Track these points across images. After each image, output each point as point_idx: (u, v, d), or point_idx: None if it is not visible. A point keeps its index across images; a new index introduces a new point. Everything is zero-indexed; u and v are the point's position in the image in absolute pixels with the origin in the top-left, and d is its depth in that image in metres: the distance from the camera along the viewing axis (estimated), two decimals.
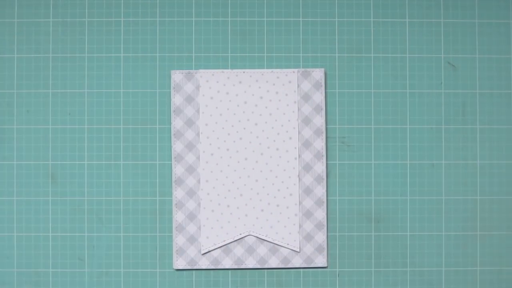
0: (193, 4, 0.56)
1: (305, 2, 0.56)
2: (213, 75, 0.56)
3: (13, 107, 0.56)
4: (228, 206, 0.55)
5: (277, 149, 0.55)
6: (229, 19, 0.56)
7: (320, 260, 0.56)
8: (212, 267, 0.55)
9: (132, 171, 0.56)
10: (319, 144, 0.56)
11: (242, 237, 0.55)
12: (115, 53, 0.56)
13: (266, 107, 0.56)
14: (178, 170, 0.55)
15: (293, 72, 0.56)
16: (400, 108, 0.56)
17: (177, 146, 0.55)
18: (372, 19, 0.56)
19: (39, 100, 0.56)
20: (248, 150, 0.55)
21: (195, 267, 0.55)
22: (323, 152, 0.56)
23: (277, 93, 0.56)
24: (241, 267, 0.55)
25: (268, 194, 0.55)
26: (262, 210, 0.55)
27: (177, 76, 0.56)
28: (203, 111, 0.55)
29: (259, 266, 0.55)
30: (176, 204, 0.55)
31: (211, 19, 0.56)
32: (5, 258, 0.55)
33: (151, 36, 0.56)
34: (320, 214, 0.56)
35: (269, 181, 0.55)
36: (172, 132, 0.55)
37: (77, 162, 0.55)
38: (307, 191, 0.56)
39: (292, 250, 0.55)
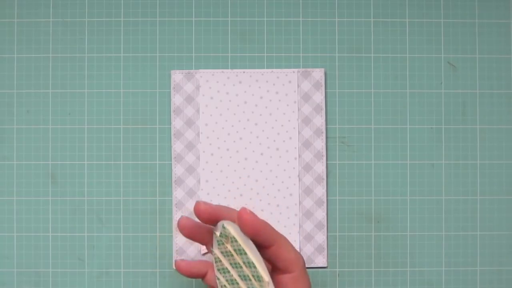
0: (193, 4, 0.56)
1: (305, 2, 0.56)
2: (213, 75, 0.56)
3: (13, 107, 0.56)
4: (228, 206, 0.55)
5: (277, 149, 0.55)
6: (229, 19, 0.56)
7: (320, 260, 0.55)
8: None
9: (132, 171, 0.56)
10: (319, 144, 0.56)
11: None
12: (115, 53, 0.56)
13: (266, 107, 0.56)
14: (178, 170, 0.55)
15: (293, 72, 0.56)
16: (400, 108, 0.56)
17: (177, 146, 0.55)
18: (372, 19, 0.56)
19: (39, 100, 0.56)
20: (248, 150, 0.55)
21: None
22: (323, 152, 0.56)
23: (277, 93, 0.56)
24: None
25: (268, 194, 0.55)
26: (262, 210, 0.55)
27: (177, 76, 0.56)
28: (203, 111, 0.55)
29: None
30: (176, 204, 0.55)
31: (211, 19, 0.56)
32: (5, 258, 0.55)
33: (151, 36, 0.56)
34: (320, 214, 0.55)
35: (269, 181, 0.55)
36: (172, 132, 0.55)
37: (77, 162, 0.55)
38: (307, 191, 0.56)
39: None
